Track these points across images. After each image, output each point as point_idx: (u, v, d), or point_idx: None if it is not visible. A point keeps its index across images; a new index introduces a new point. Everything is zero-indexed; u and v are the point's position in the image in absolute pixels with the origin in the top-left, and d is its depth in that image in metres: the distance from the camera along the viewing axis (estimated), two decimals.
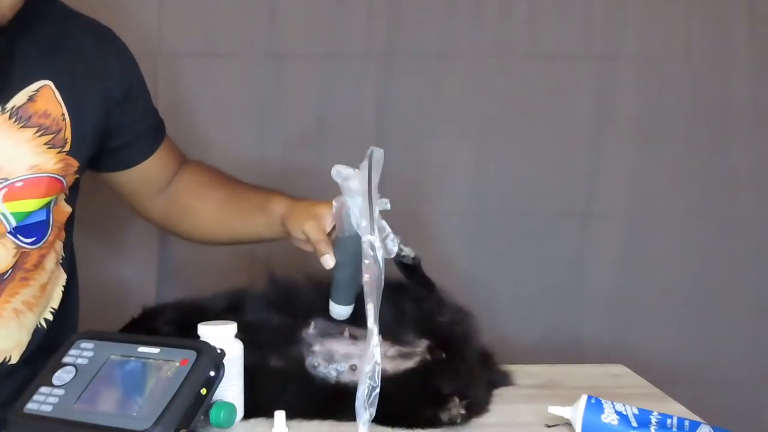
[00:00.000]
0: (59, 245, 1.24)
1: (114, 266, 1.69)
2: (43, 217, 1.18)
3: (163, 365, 1.05)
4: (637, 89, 1.75)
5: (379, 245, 1.09)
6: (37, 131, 1.13)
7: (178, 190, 1.36)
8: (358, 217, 1.12)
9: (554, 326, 1.77)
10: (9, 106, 1.11)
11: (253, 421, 1.14)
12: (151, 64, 1.65)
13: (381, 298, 1.07)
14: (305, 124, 1.70)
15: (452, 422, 1.12)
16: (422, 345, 1.23)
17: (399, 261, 1.30)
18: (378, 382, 1.02)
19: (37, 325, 1.22)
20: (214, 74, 1.68)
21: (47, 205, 1.18)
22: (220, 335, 1.11)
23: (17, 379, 1.18)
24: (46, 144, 1.14)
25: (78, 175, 1.22)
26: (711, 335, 1.78)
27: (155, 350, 1.07)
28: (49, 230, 1.19)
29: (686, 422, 1.10)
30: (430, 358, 1.22)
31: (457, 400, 1.13)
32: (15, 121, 1.12)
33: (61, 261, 1.25)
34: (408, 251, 1.29)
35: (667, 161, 1.77)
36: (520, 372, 1.39)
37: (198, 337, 1.12)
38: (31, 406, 1.05)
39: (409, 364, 1.21)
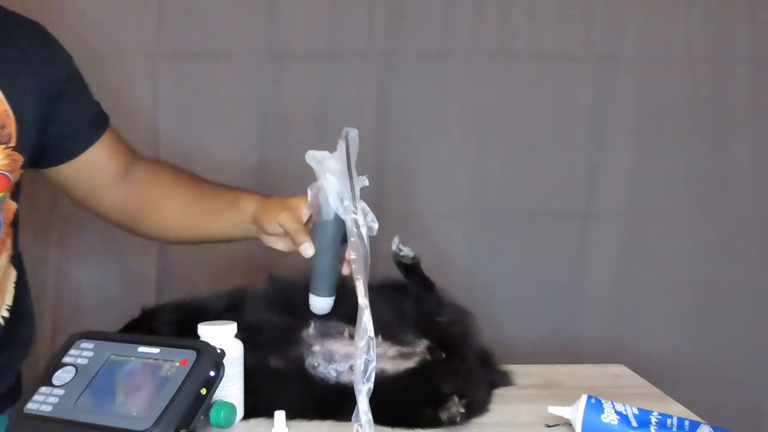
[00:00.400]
0: (9, 242, 1.24)
1: (114, 266, 1.69)
2: None
3: (163, 365, 1.05)
4: (637, 89, 1.75)
5: (363, 222, 1.09)
6: None
7: (137, 188, 1.32)
8: (336, 199, 1.12)
9: (554, 326, 1.77)
10: None
11: (253, 421, 1.14)
12: (151, 64, 1.66)
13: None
14: (305, 124, 1.70)
15: (452, 421, 1.12)
16: (422, 345, 1.23)
17: (398, 261, 1.30)
18: (374, 356, 1.01)
19: None
20: (214, 74, 1.68)
21: None
22: (220, 335, 1.11)
23: None
24: None
25: (22, 171, 1.21)
26: (711, 335, 1.78)
27: (155, 350, 1.07)
28: (1, 228, 1.19)
29: (686, 422, 1.10)
30: (430, 358, 1.22)
31: (456, 398, 1.12)
32: None
33: (11, 258, 1.25)
34: (407, 251, 1.29)
35: (667, 161, 1.77)
36: (520, 372, 1.39)
37: (198, 337, 1.12)
38: (31, 406, 1.05)
39: (409, 364, 1.21)
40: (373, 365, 1.01)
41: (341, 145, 1.13)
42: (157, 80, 1.66)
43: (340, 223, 1.12)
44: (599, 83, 1.75)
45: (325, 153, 1.14)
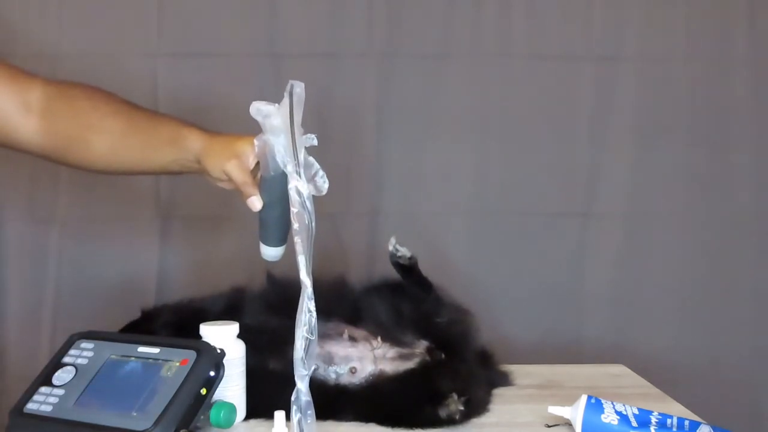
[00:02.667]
0: None
1: (114, 266, 1.69)
2: None
3: (163, 365, 1.05)
4: (637, 89, 1.75)
5: (307, 191, 1.03)
6: None
7: (54, 121, 1.19)
8: (284, 156, 1.06)
9: (554, 326, 1.76)
10: None
11: (253, 422, 1.14)
12: (151, 64, 1.66)
13: (313, 247, 1.02)
14: (305, 125, 1.70)
15: (451, 418, 1.12)
16: (421, 346, 1.23)
17: (395, 261, 1.30)
18: (315, 335, 1.00)
19: None
20: (214, 74, 1.68)
21: None
22: (222, 335, 1.11)
23: None
24: None
25: None
26: (711, 335, 1.78)
27: (155, 350, 1.07)
28: None
29: (686, 422, 1.10)
30: (430, 359, 1.22)
31: (455, 396, 1.12)
32: None
33: None
34: (404, 251, 1.29)
35: (667, 161, 1.77)
36: (520, 372, 1.39)
37: (197, 339, 1.11)
38: (31, 406, 1.05)
39: (409, 365, 1.21)
40: (314, 345, 0.99)
41: (286, 101, 1.05)
42: (157, 80, 1.66)
43: (285, 181, 1.05)
44: (599, 83, 1.75)
45: (272, 108, 1.07)
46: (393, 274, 1.32)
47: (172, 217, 1.68)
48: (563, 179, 1.76)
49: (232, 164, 1.11)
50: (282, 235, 1.13)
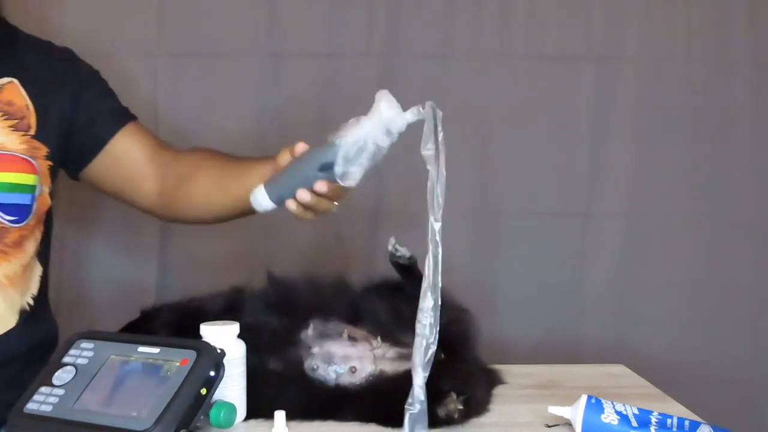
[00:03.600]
0: (38, 235, 1.29)
1: (114, 266, 1.69)
2: (28, 201, 1.25)
3: (163, 365, 1.05)
4: (637, 89, 1.75)
5: (439, 227, 1.09)
6: (2, 116, 1.23)
7: (169, 168, 1.34)
8: (358, 137, 1.15)
9: (554, 326, 1.77)
10: None
11: (252, 422, 1.14)
12: (151, 64, 1.66)
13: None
14: (305, 124, 1.70)
15: (449, 417, 1.12)
16: None
17: (395, 261, 1.30)
18: (435, 339, 1.01)
19: (21, 306, 1.25)
20: (214, 74, 1.69)
21: (32, 191, 1.25)
22: (223, 335, 1.11)
23: None
24: (10, 127, 1.24)
25: (51, 163, 1.28)
26: (711, 335, 1.78)
27: (155, 350, 1.07)
28: (31, 215, 1.25)
29: (686, 422, 1.10)
30: None
31: (454, 395, 1.12)
32: None
33: (38, 252, 1.29)
34: (403, 251, 1.29)
35: (667, 161, 1.77)
36: (520, 372, 1.39)
37: (197, 338, 1.11)
38: (31, 406, 1.05)
39: (409, 365, 1.20)
40: (432, 350, 1.01)
41: (430, 122, 1.12)
42: (157, 80, 1.66)
43: (333, 152, 1.13)
44: (599, 83, 1.75)
45: (394, 100, 1.16)
46: (393, 274, 1.31)
47: None
48: (564, 179, 1.76)
49: (299, 144, 1.17)
50: (285, 191, 1.14)
